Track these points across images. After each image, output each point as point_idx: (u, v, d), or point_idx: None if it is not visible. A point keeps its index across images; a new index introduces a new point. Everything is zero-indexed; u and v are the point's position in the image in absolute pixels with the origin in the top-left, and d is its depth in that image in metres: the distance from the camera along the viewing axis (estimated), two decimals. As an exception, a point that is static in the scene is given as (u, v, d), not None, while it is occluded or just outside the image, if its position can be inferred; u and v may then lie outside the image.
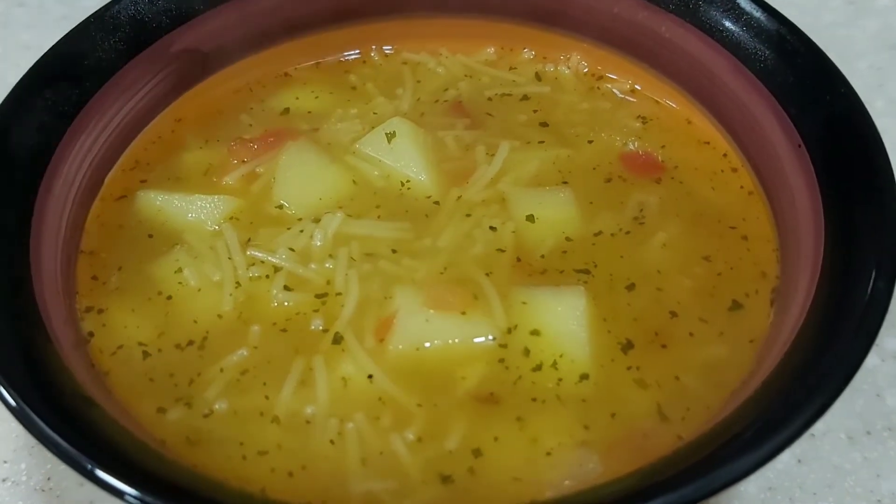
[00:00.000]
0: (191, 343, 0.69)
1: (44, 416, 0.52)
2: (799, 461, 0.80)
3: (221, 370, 0.67)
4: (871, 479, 0.78)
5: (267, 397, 0.65)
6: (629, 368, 0.66)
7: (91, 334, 0.69)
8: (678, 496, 0.47)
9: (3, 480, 0.80)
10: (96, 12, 0.79)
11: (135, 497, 0.48)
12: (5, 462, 0.81)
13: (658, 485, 0.49)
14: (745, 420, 0.53)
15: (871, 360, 0.87)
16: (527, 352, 0.66)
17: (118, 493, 0.49)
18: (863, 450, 0.80)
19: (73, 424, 0.53)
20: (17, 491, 0.79)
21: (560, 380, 0.65)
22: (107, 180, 0.79)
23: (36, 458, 0.81)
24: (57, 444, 0.51)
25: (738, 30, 0.77)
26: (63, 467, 0.80)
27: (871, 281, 0.57)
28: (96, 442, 0.52)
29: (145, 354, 0.68)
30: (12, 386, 0.54)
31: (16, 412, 0.53)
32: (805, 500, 0.78)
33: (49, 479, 0.80)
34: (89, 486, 0.79)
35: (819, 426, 0.83)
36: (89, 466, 0.50)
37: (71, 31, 0.78)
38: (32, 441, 0.83)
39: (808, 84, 0.72)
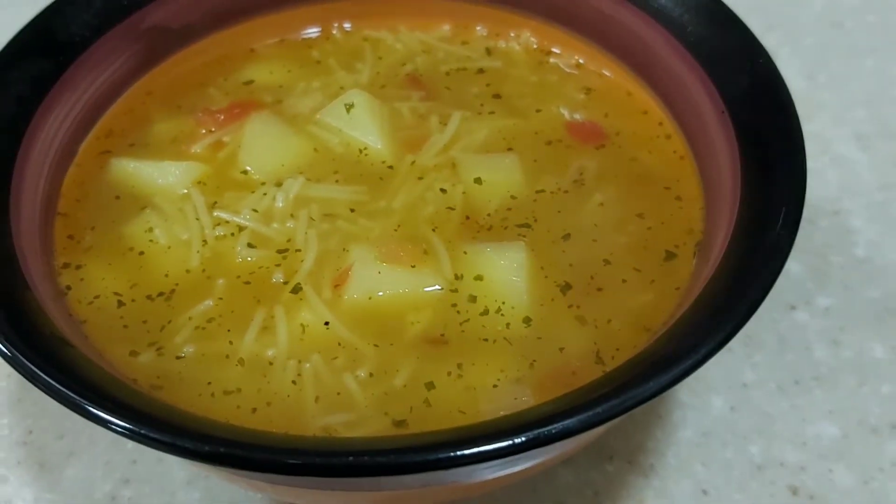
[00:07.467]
0: (161, 294, 0.72)
1: (25, 352, 0.56)
2: (732, 409, 0.85)
3: (189, 318, 0.70)
4: (797, 424, 0.83)
5: (231, 342, 0.68)
6: (570, 306, 0.70)
7: (69, 287, 0.72)
8: (594, 414, 0.52)
9: (-14, 434, 0.82)
10: (70, -11, 0.81)
11: (118, 426, 0.53)
12: (-13, 418, 0.84)
13: (577, 407, 0.53)
14: (657, 353, 0.57)
15: (802, 316, 0.92)
16: (473, 298, 0.70)
17: (99, 421, 0.53)
18: (791, 398, 0.85)
19: (50, 360, 0.56)
20: (-1, 444, 0.82)
21: (508, 324, 0.69)
22: (81, 148, 0.82)
23: (17, 414, 0.84)
24: (42, 380, 0.55)
25: (669, 4, 0.80)
26: (44, 422, 0.85)
27: (776, 230, 0.61)
28: (73, 376, 0.56)
29: (119, 303, 0.71)
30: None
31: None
32: (736, 444, 0.82)
33: (30, 432, 0.83)
34: (68, 439, 0.83)
35: (751, 377, 0.88)
36: (75, 398, 0.54)
37: (46, 7, 0.80)
38: (15, 397, 0.87)
39: (731, 54, 0.75)
